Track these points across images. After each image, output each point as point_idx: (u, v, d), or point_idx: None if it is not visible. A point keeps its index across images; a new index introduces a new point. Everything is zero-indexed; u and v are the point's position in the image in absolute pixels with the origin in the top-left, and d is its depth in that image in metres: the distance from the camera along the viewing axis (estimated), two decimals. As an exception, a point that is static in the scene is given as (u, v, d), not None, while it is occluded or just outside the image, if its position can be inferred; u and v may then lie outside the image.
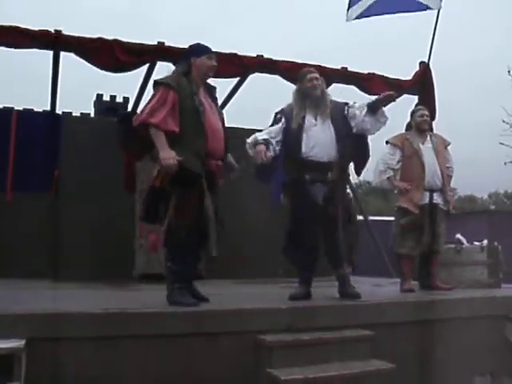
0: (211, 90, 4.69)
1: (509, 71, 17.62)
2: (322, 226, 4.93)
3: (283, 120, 5.05)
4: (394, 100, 5.27)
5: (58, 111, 8.59)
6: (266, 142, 4.89)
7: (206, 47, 4.61)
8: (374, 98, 5.18)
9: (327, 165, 4.90)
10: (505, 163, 18.17)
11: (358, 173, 5.37)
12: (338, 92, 8.46)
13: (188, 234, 4.28)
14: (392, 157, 6.06)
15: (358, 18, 8.33)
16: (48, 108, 8.42)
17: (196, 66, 4.48)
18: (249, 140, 4.96)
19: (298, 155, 4.90)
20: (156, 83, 4.42)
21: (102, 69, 7.19)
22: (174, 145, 4.24)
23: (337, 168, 4.93)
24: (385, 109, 5.13)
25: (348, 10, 8.33)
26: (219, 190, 4.61)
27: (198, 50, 4.57)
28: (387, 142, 6.16)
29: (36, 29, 6.87)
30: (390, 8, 8.26)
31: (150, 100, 4.32)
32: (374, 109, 5.00)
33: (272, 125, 5.11)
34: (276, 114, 5.19)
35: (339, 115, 5.07)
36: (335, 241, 4.89)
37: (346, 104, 5.19)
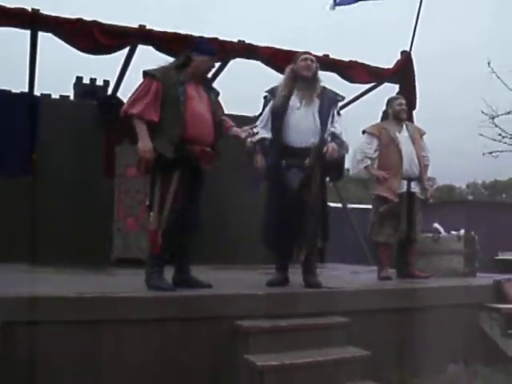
0: (207, 82, 4.83)
1: (488, 63, 17.68)
2: (297, 212, 4.81)
3: (271, 102, 5.03)
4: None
5: (37, 93, 8.48)
6: (262, 142, 4.91)
7: (211, 49, 4.78)
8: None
9: (305, 150, 4.82)
10: (483, 154, 18.29)
11: (333, 181, 5.41)
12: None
13: (171, 220, 4.34)
14: (369, 146, 6.07)
15: (339, 4, 8.36)
16: (26, 89, 8.29)
17: (196, 62, 4.58)
18: (246, 146, 4.92)
19: (278, 139, 4.89)
20: (143, 73, 4.51)
21: (81, 51, 7.07)
22: (154, 132, 4.40)
23: (314, 154, 4.81)
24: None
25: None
26: (205, 177, 4.65)
27: (202, 48, 4.69)
28: (364, 132, 6.17)
29: (12, 7, 6.70)
30: None
31: (135, 90, 4.47)
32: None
33: (264, 107, 5.12)
34: (266, 93, 5.19)
35: (328, 104, 4.99)
36: (307, 228, 4.80)
37: (340, 99, 5.19)
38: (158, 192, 4.40)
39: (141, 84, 4.46)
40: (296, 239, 4.85)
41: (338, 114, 5.10)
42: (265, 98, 5.22)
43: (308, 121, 4.89)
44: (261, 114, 5.22)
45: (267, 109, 5.06)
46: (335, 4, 8.41)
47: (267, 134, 4.94)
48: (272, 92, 5.09)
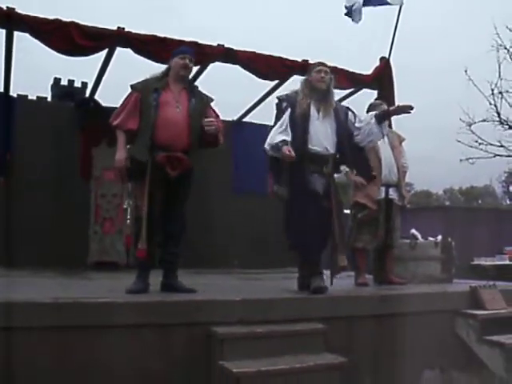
0: (192, 88, 4.94)
1: (465, 70, 17.93)
2: (321, 217, 4.93)
3: (289, 109, 5.07)
4: (409, 112, 5.23)
5: (13, 94, 8.36)
6: (286, 142, 4.91)
7: (182, 49, 5.01)
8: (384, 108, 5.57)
9: (324, 158, 5.02)
10: (460, 160, 18.54)
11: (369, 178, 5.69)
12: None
13: (147, 223, 4.51)
14: None
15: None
16: (1, 90, 8.17)
17: (172, 66, 4.84)
18: (269, 145, 5.02)
19: (303, 145, 4.95)
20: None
21: (58, 52, 6.97)
22: (133, 137, 4.72)
23: (332, 162, 5.06)
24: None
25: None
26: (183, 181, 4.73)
27: (175, 52, 4.91)
28: None
29: (-15, 5, 6.59)
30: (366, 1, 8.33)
31: (121, 103, 4.82)
32: (381, 119, 5.16)
33: (278, 114, 5.18)
34: (280, 100, 5.26)
35: (342, 117, 5.16)
36: (335, 233, 4.95)
37: (349, 109, 5.30)
38: (133, 197, 4.55)
39: (125, 97, 4.78)
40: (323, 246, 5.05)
41: (353, 113, 5.27)
42: (278, 104, 5.27)
43: (326, 131, 5.07)
44: (277, 119, 5.19)
45: (286, 116, 5.06)
46: (352, 15, 8.42)
47: (288, 138, 4.94)
48: (289, 100, 5.16)
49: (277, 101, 5.32)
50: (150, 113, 4.61)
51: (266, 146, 5.05)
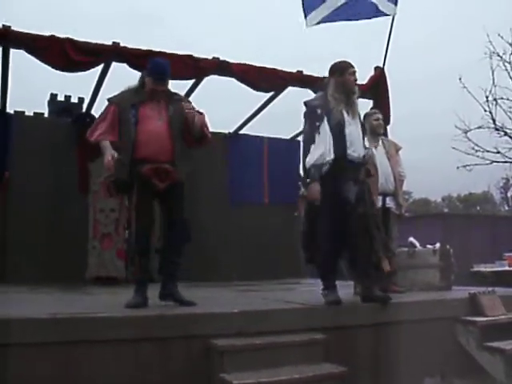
0: (170, 97, 4.83)
1: (460, 78, 18.00)
2: (352, 228, 4.76)
3: (325, 116, 4.83)
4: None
5: (9, 110, 8.39)
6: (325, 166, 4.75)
7: (158, 71, 4.78)
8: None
9: (359, 164, 4.89)
10: (457, 167, 18.56)
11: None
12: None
13: (137, 239, 4.61)
14: None
15: (318, 23, 8.38)
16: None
17: (146, 83, 4.77)
18: (313, 166, 4.77)
19: (342, 152, 4.78)
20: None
21: (54, 68, 7.02)
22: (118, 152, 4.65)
23: (364, 168, 4.95)
24: None
25: (306, 17, 8.32)
26: (168, 193, 4.65)
27: (150, 69, 4.80)
28: None
29: (-18, 23, 6.65)
30: (350, 15, 8.34)
31: (97, 117, 4.93)
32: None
33: (312, 122, 4.88)
34: (312, 107, 4.97)
35: (361, 120, 5.11)
36: (374, 241, 4.82)
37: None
38: (124, 212, 4.58)
39: (102, 111, 4.82)
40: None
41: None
42: (311, 112, 4.96)
43: (359, 135, 4.96)
44: (310, 128, 4.93)
45: (325, 125, 4.80)
46: (316, 23, 8.41)
47: (330, 156, 4.74)
48: (323, 106, 4.88)
49: (305, 108, 5.05)
50: (130, 129, 4.59)
51: (308, 165, 4.81)
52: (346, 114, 4.88)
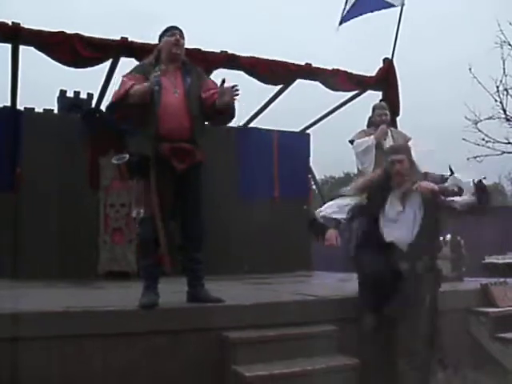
0: (188, 69, 4.44)
1: (470, 69, 17.85)
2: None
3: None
4: None
5: (20, 107, 8.42)
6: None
7: (168, 27, 4.45)
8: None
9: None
10: (468, 159, 18.43)
11: None
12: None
13: (151, 227, 4.11)
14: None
15: (341, 23, 8.57)
16: (8, 104, 8.23)
17: (162, 47, 4.39)
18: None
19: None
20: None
21: (63, 64, 7.04)
22: (133, 130, 4.26)
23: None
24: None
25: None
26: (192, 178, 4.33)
27: (162, 32, 4.45)
28: (352, 141, 6.07)
29: (-8, 21, 6.69)
30: (362, 10, 8.44)
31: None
32: None
33: None
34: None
35: None
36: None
37: None
38: (141, 197, 4.27)
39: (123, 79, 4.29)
40: None
41: None
42: None
43: None
44: None
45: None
46: (340, 23, 8.59)
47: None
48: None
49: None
50: (153, 99, 4.10)
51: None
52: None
